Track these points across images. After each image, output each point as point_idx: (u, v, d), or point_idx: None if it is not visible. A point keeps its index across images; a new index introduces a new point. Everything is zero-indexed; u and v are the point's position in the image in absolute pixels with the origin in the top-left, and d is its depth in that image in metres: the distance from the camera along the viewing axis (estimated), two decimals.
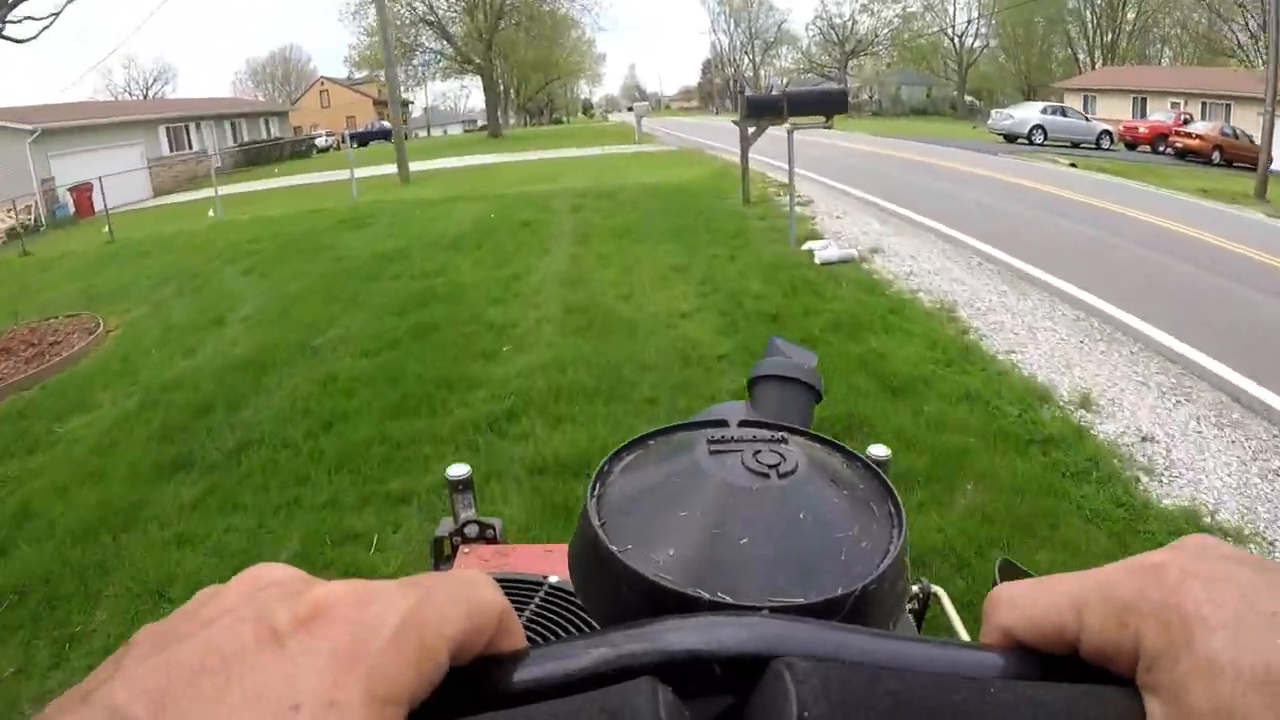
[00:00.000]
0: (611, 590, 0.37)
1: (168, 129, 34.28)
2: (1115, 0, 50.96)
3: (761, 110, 11.15)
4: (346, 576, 0.25)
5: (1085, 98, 41.80)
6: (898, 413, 4.65)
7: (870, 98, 63.37)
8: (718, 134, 32.23)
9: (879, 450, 1.01)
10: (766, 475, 0.40)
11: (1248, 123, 29.40)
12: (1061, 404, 4.99)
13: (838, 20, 60.33)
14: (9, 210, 23.14)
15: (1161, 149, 28.01)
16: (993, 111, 33.31)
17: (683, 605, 0.33)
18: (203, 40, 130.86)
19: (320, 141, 49.46)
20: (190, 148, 35.47)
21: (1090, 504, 3.80)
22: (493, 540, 1.10)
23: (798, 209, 11.63)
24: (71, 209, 26.75)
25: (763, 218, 10.83)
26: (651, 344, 5.86)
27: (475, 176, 19.85)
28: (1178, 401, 5.11)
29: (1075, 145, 28.91)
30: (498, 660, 0.27)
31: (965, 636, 0.86)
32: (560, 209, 12.31)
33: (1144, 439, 4.57)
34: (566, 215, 11.69)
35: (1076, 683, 0.25)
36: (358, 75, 46.73)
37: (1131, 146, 29.47)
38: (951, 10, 58.88)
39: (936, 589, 0.96)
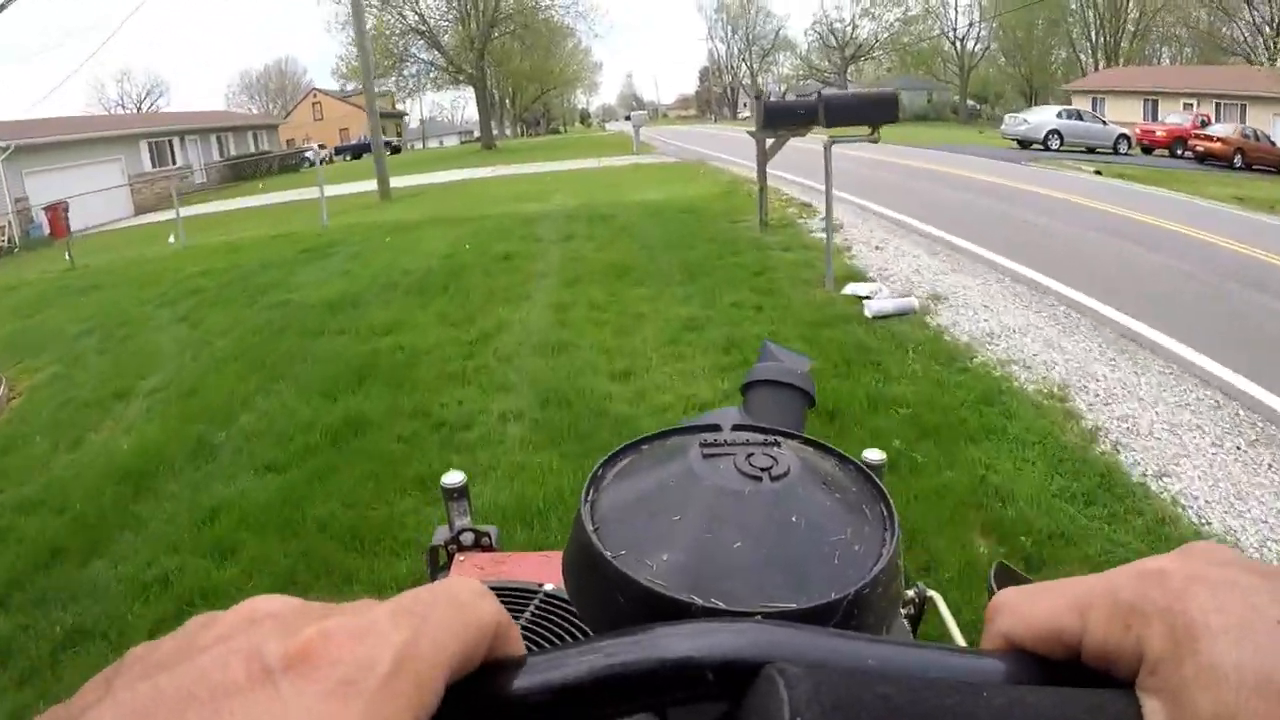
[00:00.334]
0: (605, 597, 0.36)
1: (150, 144, 32.55)
2: (1117, 2, 49.39)
3: (783, 119, 9.35)
4: None
5: (1094, 100, 40.09)
6: None
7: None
8: (719, 143, 30.56)
9: (874, 454, 0.98)
10: (759, 478, 0.40)
11: (1263, 123, 28.10)
12: None
13: (837, 25, 58.60)
14: None
15: (1180, 153, 26.56)
16: (1005, 116, 31.59)
17: (676, 611, 0.33)
18: (196, 53, 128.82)
19: (311, 155, 47.76)
20: (174, 163, 33.73)
21: None
22: (488, 548, 1.08)
23: (820, 234, 9.84)
24: (46, 229, 25.13)
25: (787, 248, 9.01)
26: None
27: (461, 193, 18.05)
28: None
29: (1090, 150, 27.27)
30: (494, 669, 0.26)
31: (961, 642, 0.85)
32: (548, 236, 10.50)
33: None
34: (554, 245, 9.88)
35: (1074, 687, 0.25)
36: (350, 87, 44.89)
37: (1148, 150, 28.01)
38: (953, 14, 57.28)
39: (932, 594, 0.92)
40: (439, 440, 4.49)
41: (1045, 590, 0.28)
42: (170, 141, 33.72)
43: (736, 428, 0.47)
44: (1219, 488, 3.96)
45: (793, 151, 9.35)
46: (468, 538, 1.08)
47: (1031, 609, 0.27)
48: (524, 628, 0.78)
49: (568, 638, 0.77)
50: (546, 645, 0.70)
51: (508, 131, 65.33)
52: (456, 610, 0.25)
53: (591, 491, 0.41)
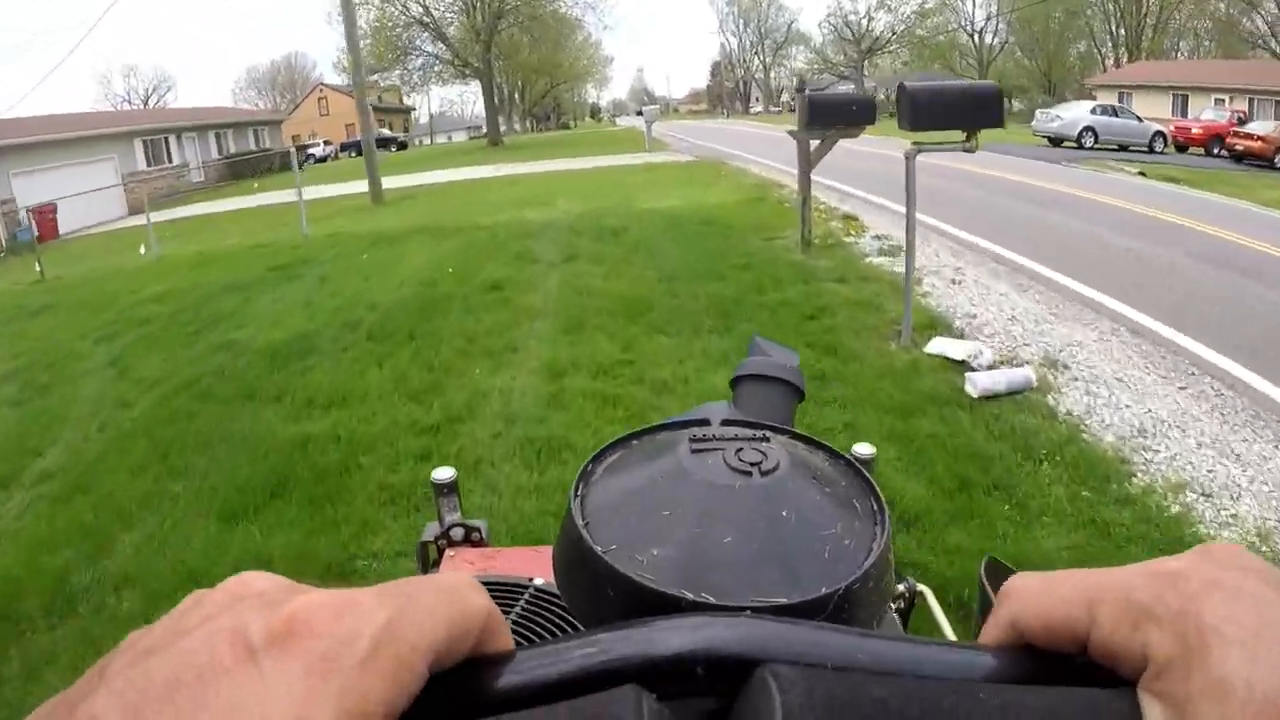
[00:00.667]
0: (596, 591, 0.36)
1: (144, 142, 30.94)
2: None
3: (832, 116, 7.65)
4: None
5: (1120, 95, 37.96)
6: None
7: (886, 98, 59.63)
8: (736, 140, 28.84)
9: (864, 449, 0.97)
10: (749, 473, 0.39)
11: None
12: None
13: (852, 17, 56.49)
14: None
15: (1217, 151, 24.64)
16: (1036, 112, 29.65)
17: (666, 606, 0.33)
18: (205, 49, 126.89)
19: (317, 151, 46.14)
20: (170, 161, 32.17)
21: None
22: (479, 543, 1.07)
23: (883, 259, 8.11)
24: (35, 232, 23.66)
25: (841, 277, 7.28)
26: None
27: (459, 196, 16.35)
28: None
29: (1123, 148, 25.40)
30: (482, 664, 0.26)
31: (951, 635, 0.85)
32: (547, 256, 8.79)
33: None
34: (554, 269, 8.17)
35: (1074, 685, 0.25)
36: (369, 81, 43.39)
37: (1182, 149, 26.11)
38: (970, 7, 55.18)
39: (922, 588, 0.91)
40: None
41: (1058, 580, 0.26)
42: (166, 139, 32.12)
43: (725, 422, 0.46)
44: None
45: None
46: (458, 533, 1.06)
47: (1042, 598, 0.26)
48: (514, 622, 0.76)
49: (558, 632, 0.74)
50: (536, 640, 0.65)
51: (516, 126, 63.53)
52: (444, 596, 0.25)
53: (581, 487, 0.41)
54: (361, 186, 20.98)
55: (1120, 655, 0.24)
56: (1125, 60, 47.79)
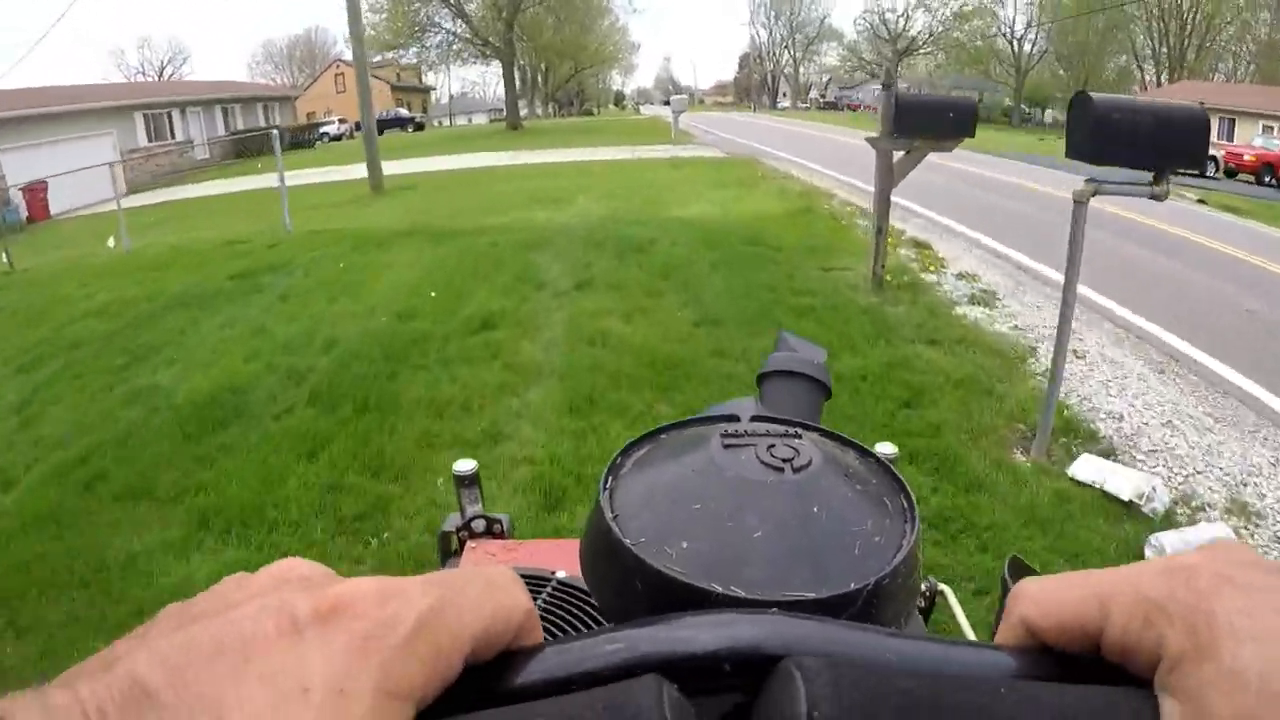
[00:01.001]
0: (624, 584, 0.35)
1: (146, 116, 29.33)
2: (1184, 7, 45.01)
3: (925, 123, 5.99)
4: None
5: None
6: None
7: None
8: (768, 135, 26.88)
9: (886, 448, 0.94)
10: (781, 469, 0.39)
11: None
12: None
13: (889, 15, 54.24)
14: None
15: (1268, 180, 22.94)
16: None
17: (695, 599, 0.32)
18: (221, 21, 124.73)
19: (332, 129, 44.48)
20: (173, 137, 30.58)
21: None
22: (500, 535, 1.05)
23: (978, 311, 6.37)
24: (24, 212, 22.15)
25: (933, 339, 5.54)
26: None
27: (467, 187, 14.63)
28: None
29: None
30: (513, 656, 0.26)
31: (971, 635, 0.84)
32: (555, 279, 7.08)
33: None
34: (562, 302, 6.46)
35: (1091, 683, 0.25)
36: (377, 58, 41.51)
37: (1231, 174, 24.35)
38: (1011, 12, 52.95)
39: (943, 587, 0.90)
40: None
41: (1068, 580, 0.26)
42: (169, 114, 30.50)
43: (756, 418, 0.45)
44: None
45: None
46: (479, 525, 1.04)
47: (1053, 598, 0.26)
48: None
49: (581, 626, 0.73)
50: (559, 633, 0.67)
51: (539, 111, 61.69)
52: (488, 589, 0.25)
53: (610, 479, 0.40)
54: (366, 171, 19.37)
55: (1133, 652, 0.24)
56: (1165, 79, 45.70)
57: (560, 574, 0.82)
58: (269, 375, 5.36)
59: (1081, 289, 7.43)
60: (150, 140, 29.50)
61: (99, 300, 8.28)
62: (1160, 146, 3.49)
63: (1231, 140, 30.39)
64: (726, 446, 0.41)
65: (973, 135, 6.32)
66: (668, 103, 33.54)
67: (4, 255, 12.66)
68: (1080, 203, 3.61)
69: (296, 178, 21.73)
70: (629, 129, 32.71)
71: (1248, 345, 5.86)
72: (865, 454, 0.45)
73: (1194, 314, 6.63)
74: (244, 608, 0.22)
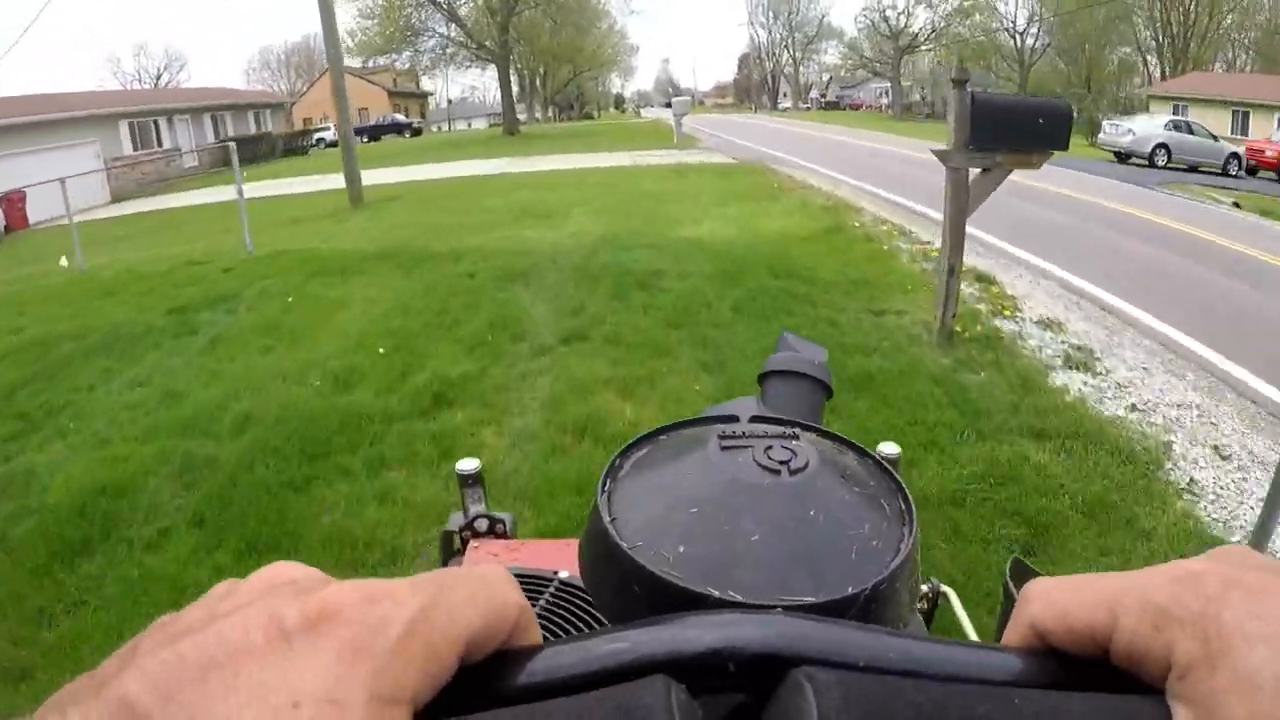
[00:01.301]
0: (622, 587, 0.35)
1: (131, 124, 27.89)
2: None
3: (1013, 132, 4.54)
4: None
5: (1175, 107, 34.27)
6: None
7: (923, 98, 55.80)
8: (773, 138, 25.27)
9: (889, 448, 0.93)
10: (778, 472, 0.38)
11: None
12: None
13: (890, 12, 52.58)
14: None
15: None
16: (1104, 124, 26.12)
17: (692, 603, 0.32)
18: (218, 27, 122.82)
19: (329, 135, 42.96)
20: (160, 145, 29.12)
21: None
22: (503, 535, 1.03)
23: (1081, 380, 4.90)
24: (2, 222, 20.88)
25: (1037, 426, 3.99)
26: None
27: (453, 199, 13.09)
28: None
29: (1193, 169, 22.16)
30: (511, 656, 0.26)
31: (974, 637, 0.80)
32: (539, 328, 5.58)
33: None
34: (545, 363, 4.93)
35: (1101, 690, 0.24)
36: (373, 64, 39.94)
37: (1252, 171, 22.91)
38: (1012, 7, 51.33)
39: (945, 589, 0.88)
40: None
41: (1077, 583, 0.26)
42: (155, 121, 29.06)
43: (755, 419, 0.45)
44: None
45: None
46: (482, 524, 1.03)
47: (1063, 600, 0.25)
48: (539, 616, 0.71)
49: (583, 626, 0.71)
50: (561, 633, 0.67)
51: (538, 115, 60.08)
52: (479, 588, 0.24)
53: (609, 482, 0.40)
54: (366, 178, 17.88)
55: (1143, 659, 0.23)
56: (1168, 71, 44.11)
57: (562, 574, 0.79)
58: (160, 468, 3.96)
59: (1169, 330, 6.00)
60: (136, 148, 28.10)
61: (25, 336, 6.95)
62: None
63: (1246, 134, 29.01)
64: (724, 449, 0.40)
65: (1065, 147, 4.87)
66: (669, 105, 31.99)
67: None
68: None
69: (281, 187, 20.34)
70: (629, 133, 31.13)
71: None
72: (864, 455, 0.44)
73: None
74: (231, 618, 0.21)
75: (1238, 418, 4.44)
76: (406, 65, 35.79)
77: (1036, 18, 49.17)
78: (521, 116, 55.76)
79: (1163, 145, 22.87)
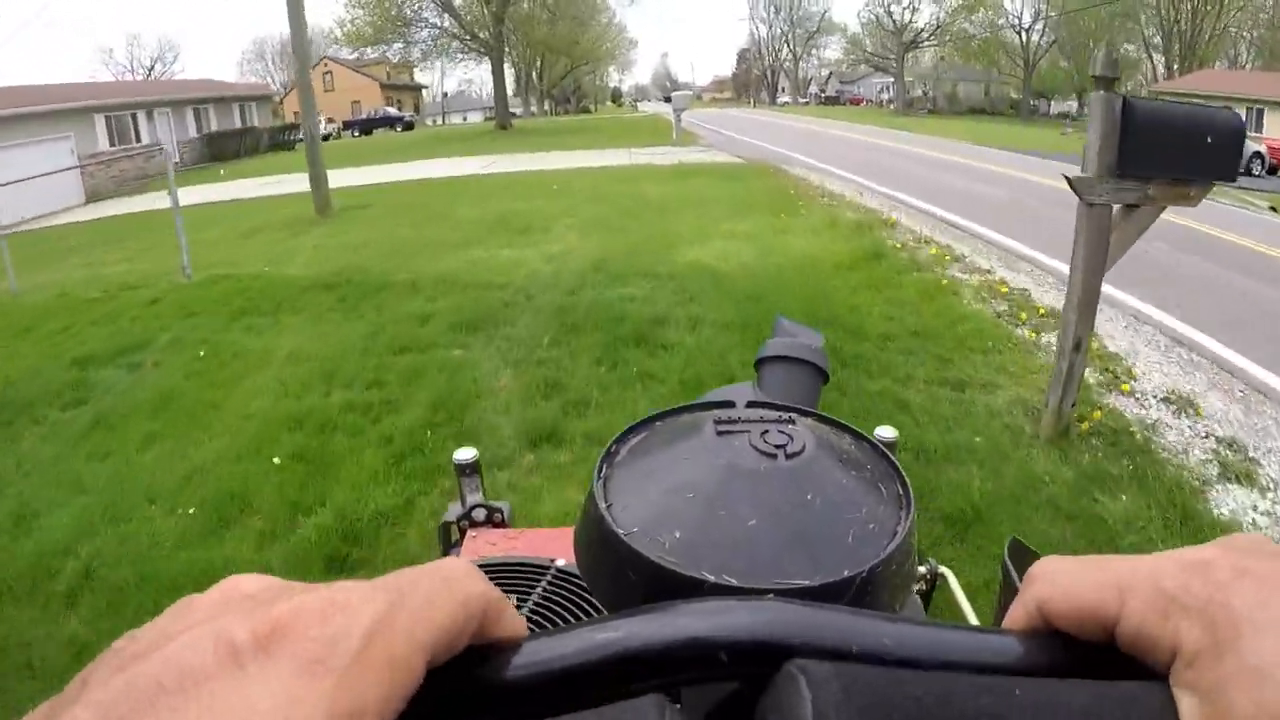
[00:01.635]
0: (617, 573, 0.34)
1: (108, 119, 26.16)
2: None
3: (1169, 155, 2.92)
4: None
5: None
6: None
7: (925, 94, 54.04)
8: (774, 134, 23.61)
9: (886, 432, 0.92)
10: (774, 456, 0.38)
11: None
12: None
13: (895, 7, 50.70)
14: None
15: None
16: None
17: (688, 588, 0.32)
18: (213, 17, 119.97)
19: (319, 129, 41.25)
20: (138, 140, 27.38)
21: None
22: (500, 524, 1.02)
23: (1251, 501, 3.24)
24: None
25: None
26: None
27: (428, 208, 11.43)
28: None
29: None
30: (489, 651, 0.25)
31: (973, 619, 0.80)
32: (493, 420, 3.98)
33: None
34: (496, 491, 3.36)
35: (1103, 676, 0.24)
36: (360, 55, 38.12)
37: (1272, 171, 21.70)
38: (1018, 3, 49.55)
39: (944, 570, 0.86)
40: None
41: (1086, 565, 0.25)
42: (134, 115, 27.29)
43: (751, 404, 0.44)
44: None
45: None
46: (479, 514, 1.01)
47: (1071, 581, 0.25)
48: (535, 604, 0.73)
49: (580, 614, 0.70)
50: (559, 622, 0.66)
51: (533, 109, 58.19)
52: (439, 587, 0.23)
53: (605, 468, 0.39)
54: (330, 181, 16.25)
55: (1149, 645, 0.23)
56: (1174, 68, 42.44)
57: (559, 562, 0.77)
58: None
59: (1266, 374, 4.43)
60: (113, 144, 26.35)
61: None
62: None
63: (1260, 131, 27.49)
64: (720, 433, 0.39)
65: (1234, 178, 3.33)
66: (668, 99, 30.27)
67: None
68: None
69: (256, 187, 18.68)
70: (626, 128, 29.39)
71: None
72: (861, 439, 0.43)
73: None
74: (180, 640, 0.20)
75: None
76: (397, 57, 34.00)
77: (1042, 15, 47.41)
78: (518, 110, 53.94)
79: None
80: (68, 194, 22.79)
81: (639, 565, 0.33)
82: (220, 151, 29.59)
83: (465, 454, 1.05)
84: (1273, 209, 13.35)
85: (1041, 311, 5.51)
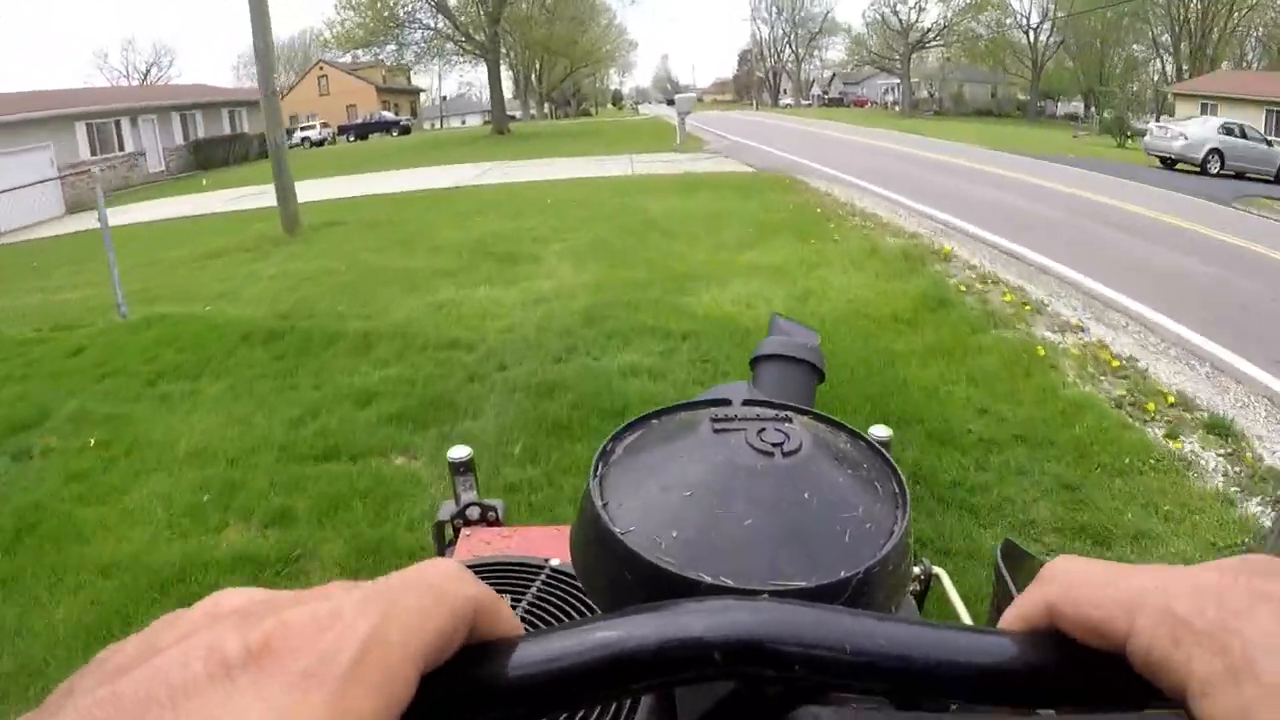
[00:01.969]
0: (613, 574, 0.34)
1: (90, 126, 24.81)
2: None
3: None
4: None
5: (1203, 106, 31.24)
6: None
7: (931, 95, 52.59)
8: (781, 138, 22.14)
9: (880, 431, 0.89)
10: (771, 454, 0.37)
11: None
12: None
13: (901, 7, 49.20)
14: None
15: None
16: (1152, 125, 22.98)
17: (684, 588, 0.31)
18: (211, 21, 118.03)
19: (313, 134, 39.86)
20: (121, 149, 26.04)
21: None
22: (495, 522, 0.99)
23: None
24: None
25: None
26: None
27: (404, 227, 10.02)
28: None
29: (1239, 175, 19.14)
30: (478, 651, 0.24)
31: (967, 619, 0.77)
32: None
33: None
34: None
35: (1101, 684, 0.24)
36: (353, 58, 36.72)
37: None
38: (1026, 3, 48.10)
39: (938, 570, 0.83)
40: None
41: (1100, 577, 0.24)
42: (117, 122, 25.92)
43: (747, 403, 0.43)
44: None
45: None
46: (473, 512, 0.99)
47: (1083, 595, 0.24)
48: (529, 604, 0.70)
49: (574, 614, 0.68)
50: (552, 622, 0.65)
51: (533, 112, 56.75)
52: (429, 594, 0.23)
53: (601, 466, 0.38)
54: (309, 192, 14.90)
55: (1159, 669, 0.22)
56: (1183, 69, 41.00)
57: (554, 562, 0.74)
58: None
59: None
60: (95, 152, 25.01)
61: None
62: None
63: (1277, 133, 26.07)
64: (716, 431, 0.39)
65: None
66: (670, 102, 28.89)
67: None
68: None
69: (236, 199, 17.31)
70: (627, 132, 27.97)
71: None
72: (857, 438, 0.42)
73: None
74: (170, 653, 0.19)
75: None
76: (390, 60, 32.60)
77: (1049, 17, 45.99)
78: (517, 113, 52.49)
79: (1216, 151, 19.94)
80: (48, 205, 21.40)
81: (635, 565, 0.32)
82: (208, 159, 28.26)
83: (459, 452, 1.02)
84: None
85: (1170, 399, 4.13)
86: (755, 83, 71.93)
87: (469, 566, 0.59)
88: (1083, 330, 5.09)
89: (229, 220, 13.72)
